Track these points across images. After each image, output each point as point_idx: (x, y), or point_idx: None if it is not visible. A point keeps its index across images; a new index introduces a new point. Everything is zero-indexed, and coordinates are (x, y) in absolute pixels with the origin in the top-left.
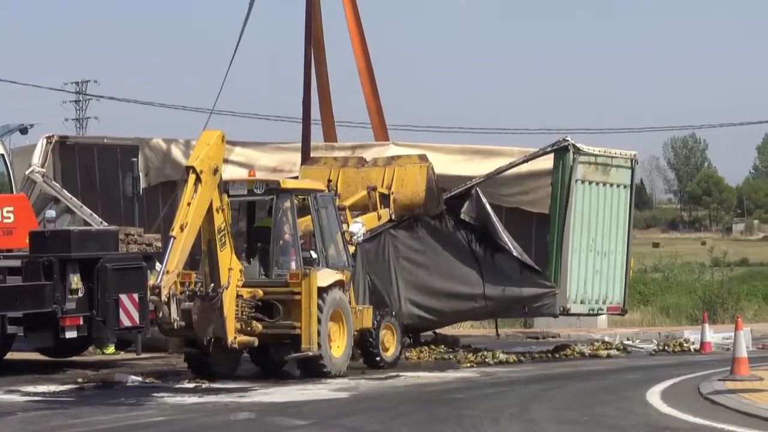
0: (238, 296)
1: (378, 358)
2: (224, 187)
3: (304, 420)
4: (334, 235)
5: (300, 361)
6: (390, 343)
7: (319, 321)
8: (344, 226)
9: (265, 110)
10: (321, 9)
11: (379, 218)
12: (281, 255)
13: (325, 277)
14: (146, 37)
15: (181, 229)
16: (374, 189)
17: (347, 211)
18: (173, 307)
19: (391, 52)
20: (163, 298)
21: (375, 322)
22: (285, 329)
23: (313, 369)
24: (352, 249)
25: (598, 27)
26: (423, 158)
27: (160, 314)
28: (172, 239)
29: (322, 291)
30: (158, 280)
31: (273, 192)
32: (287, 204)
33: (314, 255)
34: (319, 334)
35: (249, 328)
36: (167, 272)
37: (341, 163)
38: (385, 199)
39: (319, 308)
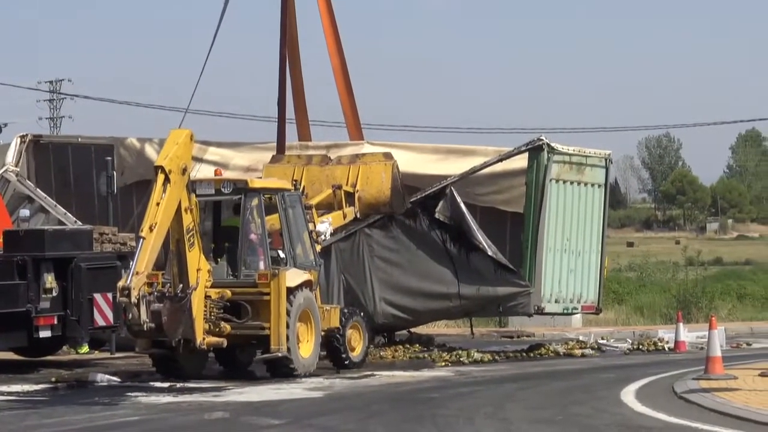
0: (207, 297)
1: (344, 356)
2: (192, 186)
3: (279, 419)
4: (302, 234)
5: (268, 361)
6: (357, 343)
7: (287, 321)
8: (311, 225)
9: (240, 109)
10: (296, 8)
11: (345, 216)
12: (249, 255)
13: (293, 277)
14: (121, 36)
15: (150, 229)
16: (339, 187)
17: (314, 210)
18: (143, 308)
19: (365, 52)
20: (133, 299)
21: (342, 321)
22: (254, 330)
23: (282, 369)
24: (318, 248)
25: (572, 27)
26: (388, 156)
27: (130, 316)
28: (141, 240)
29: (290, 291)
30: (128, 282)
31: (240, 191)
32: (255, 203)
33: (282, 255)
34: (287, 334)
35: (217, 329)
36: (137, 273)
37: (305, 161)
38: (350, 197)
39: (288, 309)
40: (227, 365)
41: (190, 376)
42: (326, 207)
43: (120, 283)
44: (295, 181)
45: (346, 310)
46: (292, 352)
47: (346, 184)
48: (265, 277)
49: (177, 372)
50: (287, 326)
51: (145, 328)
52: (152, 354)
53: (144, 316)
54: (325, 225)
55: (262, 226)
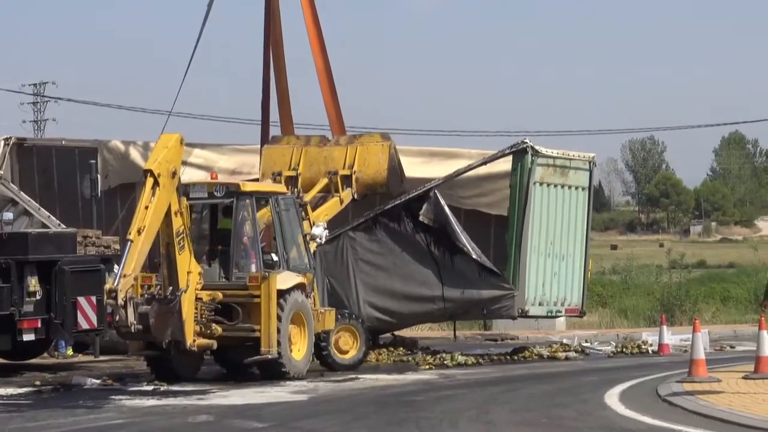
0: (198, 299)
1: (329, 359)
2: (185, 190)
3: (263, 423)
4: (296, 237)
5: (260, 363)
6: (349, 346)
7: (278, 324)
8: (305, 224)
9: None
10: (280, 10)
11: (342, 201)
12: (241, 258)
13: (285, 280)
14: (105, 39)
15: (139, 232)
16: (335, 173)
17: (308, 207)
18: (130, 310)
19: (349, 54)
20: (120, 301)
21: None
22: (244, 332)
23: (273, 371)
24: (314, 246)
25: (557, 29)
26: (385, 137)
27: (117, 318)
28: (129, 243)
29: (282, 294)
30: (115, 284)
31: (232, 195)
32: (247, 206)
33: (275, 257)
34: (278, 337)
35: (209, 331)
36: (124, 276)
37: (303, 142)
38: (347, 179)
39: (279, 311)
40: (226, 366)
41: (185, 378)
42: (324, 191)
43: (107, 286)
44: (295, 168)
45: (338, 313)
46: (283, 354)
47: (344, 166)
48: (255, 279)
49: (171, 374)
50: (278, 329)
51: (133, 330)
52: (146, 356)
53: (131, 318)
54: (320, 229)
55: (254, 229)
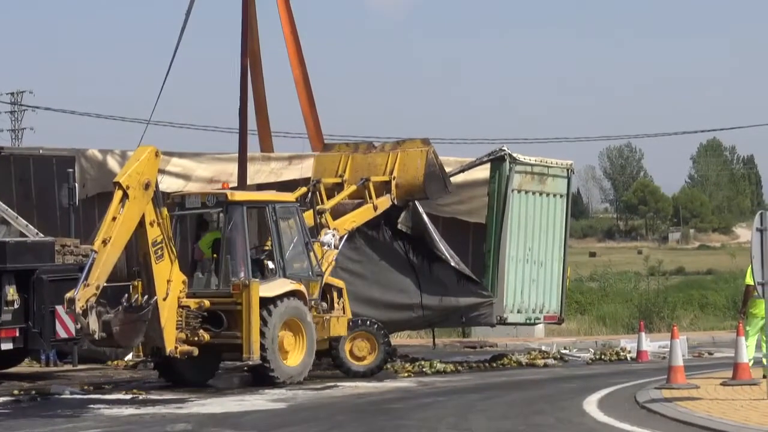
0: (185, 307)
1: (344, 367)
2: (180, 200)
3: (242, 431)
4: (299, 244)
5: (252, 369)
6: (364, 352)
7: (264, 330)
8: (323, 231)
9: (202, 120)
10: (257, 19)
11: (376, 208)
12: (230, 266)
13: (273, 287)
14: (83, 47)
15: (104, 243)
16: (367, 180)
17: (327, 214)
18: (92, 318)
19: (326, 63)
20: (78, 310)
21: (348, 330)
22: (229, 339)
23: (263, 377)
24: (334, 255)
25: (533, 36)
26: (425, 142)
27: (78, 325)
28: (93, 253)
29: (269, 301)
30: (75, 293)
31: (222, 204)
32: (236, 216)
33: (271, 265)
34: (264, 343)
35: (196, 338)
36: (86, 285)
37: (352, 149)
38: (386, 185)
39: (264, 318)
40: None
41: (194, 384)
42: (357, 199)
43: (67, 295)
44: (341, 175)
45: (352, 321)
46: (271, 360)
47: (384, 172)
48: (237, 287)
49: (178, 378)
50: (263, 335)
51: (97, 338)
52: (153, 362)
53: (93, 326)
54: (329, 236)
55: (243, 238)
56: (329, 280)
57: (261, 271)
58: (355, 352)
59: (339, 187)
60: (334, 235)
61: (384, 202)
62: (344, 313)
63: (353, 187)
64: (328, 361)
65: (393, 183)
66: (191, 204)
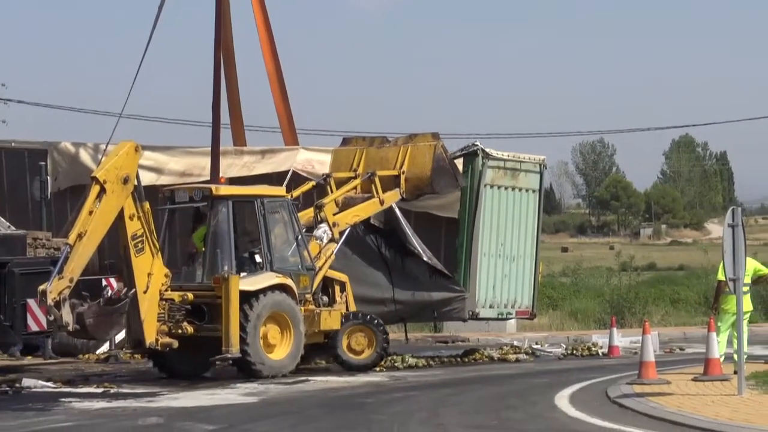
0: (167, 299)
1: (341, 360)
2: (170, 194)
3: (213, 425)
4: (290, 238)
5: (236, 362)
6: (362, 346)
7: (245, 323)
8: (322, 227)
9: (175, 114)
10: (230, 13)
11: (383, 202)
12: (215, 260)
13: (257, 281)
14: (56, 40)
15: (79, 237)
16: (373, 174)
17: (326, 209)
18: (65, 311)
19: (300, 57)
20: (49, 302)
21: (342, 324)
22: (210, 331)
23: (246, 369)
24: (333, 248)
25: (505, 32)
26: (435, 136)
27: (51, 317)
28: (67, 247)
29: (250, 295)
30: (47, 286)
31: (207, 199)
32: (222, 210)
33: (259, 259)
34: (245, 336)
35: (179, 331)
36: (60, 278)
37: (368, 144)
38: (395, 180)
39: (246, 311)
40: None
41: (189, 375)
42: (367, 193)
43: (40, 287)
44: (355, 169)
45: (351, 314)
46: (252, 353)
47: (395, 166)
48: (218, 281)
49: (172, 370)
50: (243, 329)
51: (71, 329)
52: (148, 354)
53: (66, 318)
54: (321, 230)
55: (229, 232)
56: (331, 273)
57: (253, 265)
58: (353, 346)
59: (351, 181)
60: (326, 231)
61: (392, 196)
62: (347, 307)
63: (357, 181)
64: (319, 355)
65: (402, 177)
66: (180, 198)
